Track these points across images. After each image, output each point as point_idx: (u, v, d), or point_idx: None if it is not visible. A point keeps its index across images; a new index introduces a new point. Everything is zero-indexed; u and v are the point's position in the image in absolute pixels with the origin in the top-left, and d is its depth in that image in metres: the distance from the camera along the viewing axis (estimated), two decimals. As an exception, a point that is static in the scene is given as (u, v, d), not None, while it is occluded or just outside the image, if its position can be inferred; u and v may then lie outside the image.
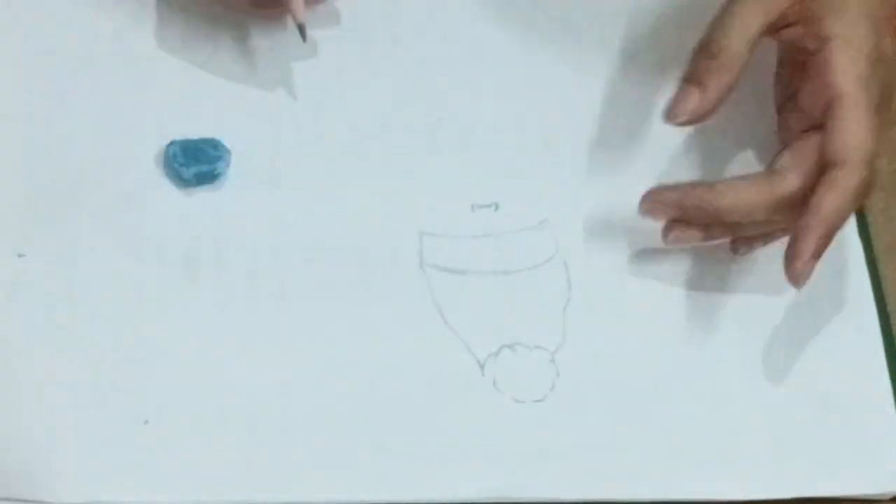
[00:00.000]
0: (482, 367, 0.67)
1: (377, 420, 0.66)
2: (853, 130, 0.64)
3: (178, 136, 0.70)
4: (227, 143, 0.70)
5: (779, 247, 0.71)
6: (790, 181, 0.65)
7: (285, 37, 0.73)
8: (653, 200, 0.67)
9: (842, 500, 0.66)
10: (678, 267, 0.70)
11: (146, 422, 0.65)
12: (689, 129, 0.74)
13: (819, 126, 0.65)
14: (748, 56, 0.65)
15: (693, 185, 0.68)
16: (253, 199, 0.70)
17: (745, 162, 0.73)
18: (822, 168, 0.64)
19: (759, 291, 0.70)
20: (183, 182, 0.69)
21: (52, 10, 0.73)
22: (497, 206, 0.71)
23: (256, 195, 0.70)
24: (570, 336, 0.68)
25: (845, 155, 0.63)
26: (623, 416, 0.67)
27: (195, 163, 0.69)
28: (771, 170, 0.66)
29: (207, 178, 0.70)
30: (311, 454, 0.65)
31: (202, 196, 0.70)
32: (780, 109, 0.70)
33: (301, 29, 0.70)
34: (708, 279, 0.70)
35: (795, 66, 0.68)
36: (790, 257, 0.64)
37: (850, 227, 0.72)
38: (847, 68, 0.64)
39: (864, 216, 0.73)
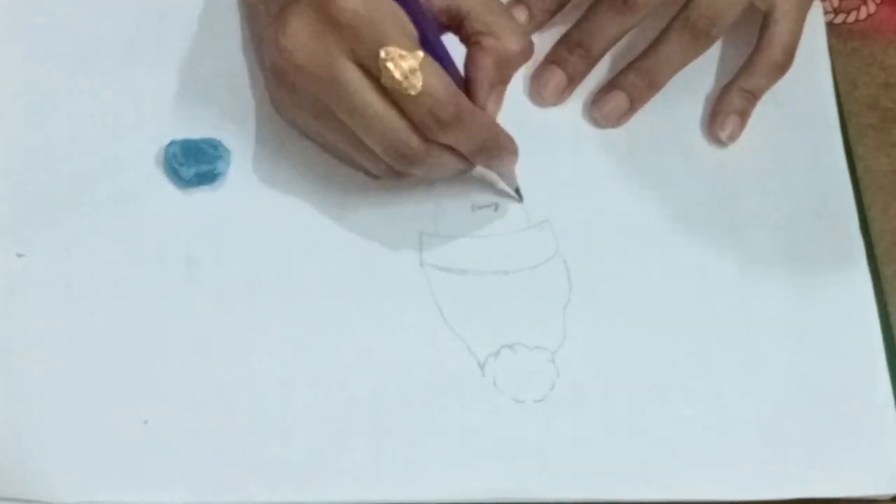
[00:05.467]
0: (482, 367, 0.67)
1: (377, 420, 0.66)
2: None
3: (178, 136, 0.70)
4: (227, 143, 0.70)
5: (776, 247, 0.71)
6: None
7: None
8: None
9: (841, 501, 0.66)
10: (678, 267, 0.70)
11: (146, 422, 0.65)
12: (691, 131, 0.74)
13: None
14: None
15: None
16: (253, 199, 0.70)
17: (747, 162, 0.73)
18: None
19: (759, 291, 0.70)
20: (183, 182, 0.69)
21: (52, 11, 0.73)
22: (497, 206, 0.71)
23: (256, 195, 0.70)
24: (570, 336, 0.68)
25: None
26: (623, 416, 0.67)
27: (195, 163, 0.69)
28: None
29: (207, 178, 0.70)
30: (311, 454, 0.65)
31: (202, 196, 0.70)
32: None
33: (518, 192, 0.71)
34: (708, 279, 0.70)
35: None
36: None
37: (851, 226, 0.72)
38: None
39: (865, 216, 0.73)
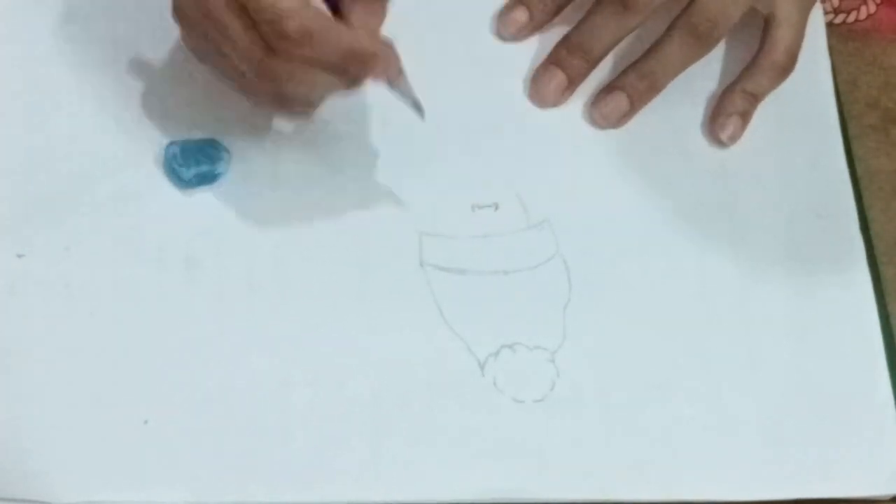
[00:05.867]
0: (482, 367, 0.67)
1: (377, 420, 0.66)
2: None
3: (178, 137, 0.70)
4: (227, 143, 0.70)
5: (776, 247, 0.71)
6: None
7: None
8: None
9: (841, 501, 0.66)
10: (678, 267, 0.70)
11: (146, 422, 0.65)
12: (691, 132, 0.74)
13: None
14: None
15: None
16: (253, 200, 0.70)
17: (747, 163, 0.73)
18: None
19: (759, 291, 0.70)
20: (183, 182, 0.69)
21: (52, 11, 0.73)
22: (497, 206, 0.71)
23: (256, 195, 0.70)
24: (570, 336, 0.68)
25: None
26: (622, 416, 0.67)
27: (195, 163, 0.69)
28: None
29: (207, 178, 0.70)
30: (311, 454, 0.65)
31: (202, 196, 0.70)
32: None
33: (419, 106, 0.68)
34: (708, 279, 0.70)
35: None
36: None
37: (851, 226, 0.72)
38: None
39: (865, 216, 0.73)
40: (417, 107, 0.68)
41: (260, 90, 0.66)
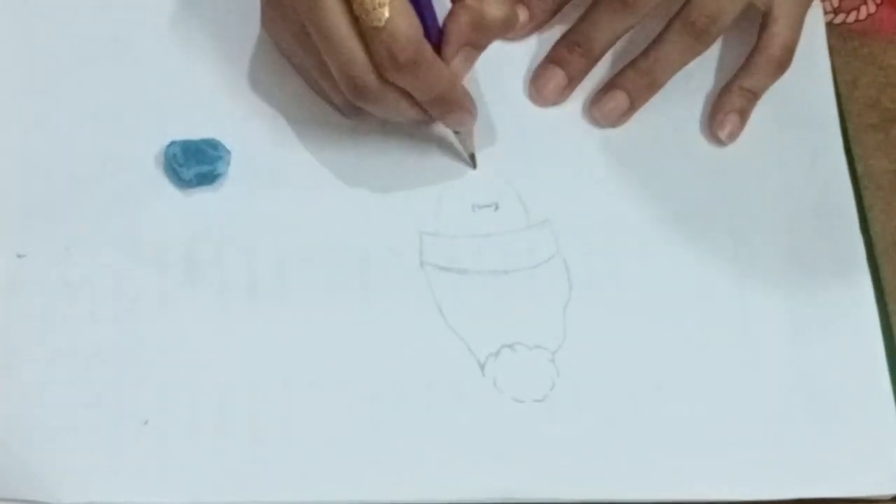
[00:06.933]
0: (482, 366, 0.67)
1: (377, 420, 0.66)
2: None
3: (178, 137, 0.70)
4: (227, 143, 0.70)
5: (776, 247, 0.71)
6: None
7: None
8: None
9: (841, 501, 0.66)
10: (678, 267, 0.70)
11: (146, 422, 0.65)
12: (691, 130, 0.74)
13: None
14: None
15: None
16: (253, 199, 0.70)
17: (746, 162, 0.73)
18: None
19: (759, 291, 0.70)
20: (183, 182, 0.69)
21: (52, 10, 0.73)
22: (497, 206, 0.71)
23: (256, 195, 0.70)
24: (570, 336, 0.68)
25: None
26: (623, 416, 0.67)
27: (195, 163, 0.69)
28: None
29: (207, 178, 0.70)
30: (311, 454, 0.65)
31: (202, 196, 0.70)
32: None
33: (473, 158, 0.72)
34: (708, 278, 0.70)
35: None
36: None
37: (852, 226, 0.72)
38: None
39: (865, 216, 0.73)
40: (472, 159, 0.71)
41: (338, 96, 0.68)
